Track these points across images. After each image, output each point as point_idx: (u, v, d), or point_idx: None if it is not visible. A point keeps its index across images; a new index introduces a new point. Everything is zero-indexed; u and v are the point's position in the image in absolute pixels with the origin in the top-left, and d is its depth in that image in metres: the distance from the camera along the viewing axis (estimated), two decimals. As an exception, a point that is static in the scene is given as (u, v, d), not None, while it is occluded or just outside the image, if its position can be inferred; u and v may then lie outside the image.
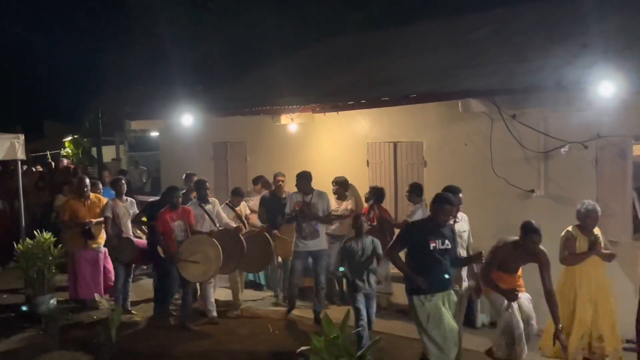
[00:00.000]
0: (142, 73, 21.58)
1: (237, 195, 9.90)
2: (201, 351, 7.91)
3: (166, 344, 8.15)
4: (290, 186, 9.85)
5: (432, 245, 6.23)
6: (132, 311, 9.48)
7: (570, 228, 7.12)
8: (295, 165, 10.94)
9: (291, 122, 10.74)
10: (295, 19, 19.40)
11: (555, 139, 8.05)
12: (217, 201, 9.43)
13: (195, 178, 9.87)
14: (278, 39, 17.74)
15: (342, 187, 10.00)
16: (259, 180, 10.69)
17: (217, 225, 9.09)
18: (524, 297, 6.81)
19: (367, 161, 10.33)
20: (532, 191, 8.33)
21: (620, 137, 7.63)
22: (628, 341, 7.33)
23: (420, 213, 8.58)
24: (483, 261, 6.74)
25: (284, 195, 9.80)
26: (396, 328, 8.34)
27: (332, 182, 9.92)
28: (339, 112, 9.94)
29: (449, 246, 6.32)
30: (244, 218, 9.84)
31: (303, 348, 5.99)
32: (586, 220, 7.02)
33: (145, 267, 11.30)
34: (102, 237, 9.69)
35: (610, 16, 9.04)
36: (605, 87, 6.90)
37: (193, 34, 20.88)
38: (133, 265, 9.96)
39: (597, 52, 7.78)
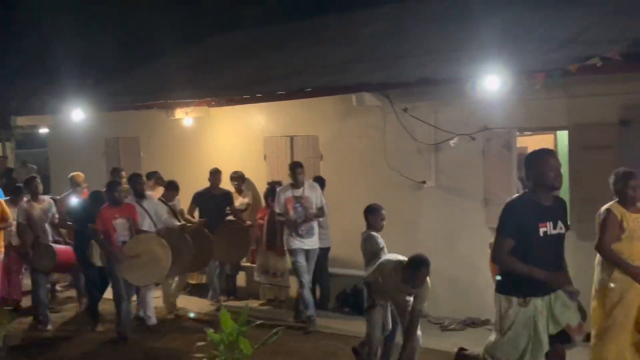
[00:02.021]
0: (30, 67, 20.66)
1: (172, 188, 9.11)
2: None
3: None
4: (190, 182, 9.67)
5: (542, 229, 4.59)
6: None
7: (609, 205, 5.74)
8: (190, 160, 10.80)
9: (186, 116, 10.57)
10: (190, 12, 19.12)
11: (445, 131, 8.31)
12: (154, 197, 8.86)
13: (124, 174, 9.38)
14: (172, 32, 17.41)
15: (239, 181, 9.97)
16: (152, 175, 10.45)
17: (156, 224, 8.38)
18: None
19: (265, 155, 10.32)
20: (424, 182, 8.56)
21: (505, 129, 7.96)
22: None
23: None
24: None
25: (218, 193, 9.39)
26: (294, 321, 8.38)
27: (230, 177, 9.86)
28: (235, 106, 9.88)
29: (562, 230, 4.70)
30: (179, 214, 9.11)
31: (199, 343, 5.94)
32: (626, 192, 5.69)
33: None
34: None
35: (498, 12, 9.40)
36: (491, 81, 7.17)
37: (83, 26, 20.18)
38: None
39: (484, 46, 8.08)
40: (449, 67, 7.90)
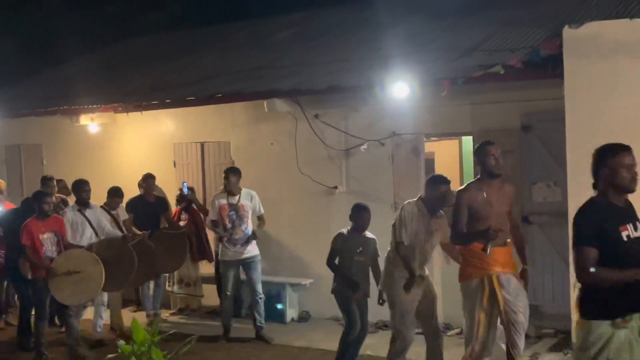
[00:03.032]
0: None
1: (116, 195, 8.46)
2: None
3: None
4: (96, 190, 9.39)
5: (624, 233, 3.85)
6: None
7: None
8: (97, 167, 10.50)
9: (91, 123, 10.28)
10: (95, 17, 18.63)
11: (355, 137, 8.44)
12: (98, 206, 8.11)
13: (55, 182, 8.83)
14: (76, 37, 16.91)
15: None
16: (57, 184, 10.10)
17: (98, 234, 7.77)
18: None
19: (174, 162, 10.17)
20: (335, 187, 8.66)
21: (413, 135, 8.16)
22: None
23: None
24: None
25: (152, 200, 8.91)
26: (207, 330, 8.28)
27: (138, 184, 9.65)
28: (143, 112, 9.66)
29: None
30: (122, 224, 8.45)
31: (110, 356, 5.78)
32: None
33: None
34: None
35: (402, 21, 9.65)
36: (398, 87, 7.34)
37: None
38: None
39: (391, 54, 8.27)
40: (358, 75, 8.04)
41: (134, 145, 10.59)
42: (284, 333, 8.08)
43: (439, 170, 10.81)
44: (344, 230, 6.53)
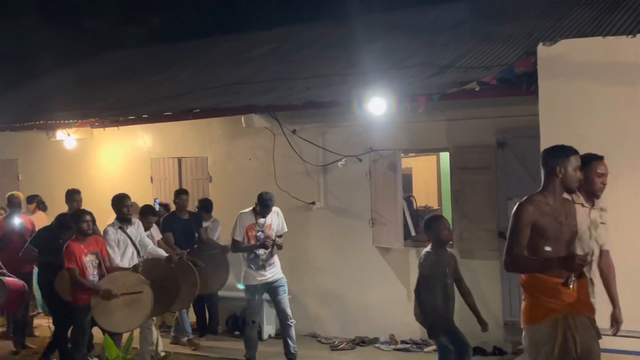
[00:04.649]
0: None
1: (149, 214, 7.79)
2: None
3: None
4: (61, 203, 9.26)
5: None
6: None
7: None
8: (73, 183, 10.34)
9: (68, 138, 10.20)
10: (73, 31, 18.50)
11: (332, 152, 8.45)
12: (140, 222, 7.41)
13: (77, 195, 8.14)
14: (53, 51, 16.79)
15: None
16: (33, 199, 9.97)
17: (142, 254, 7.15)
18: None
19: (151, 177, 10.11)
20: (313, 203, 8.65)
21: (390, 151, 8.19)
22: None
23: (220, 229, 8.58)
24: None
25: (186, 217, 8.43)
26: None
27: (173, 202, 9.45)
28: (120, 127, 9.62)
29: None
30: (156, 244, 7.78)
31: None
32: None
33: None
34: None
35: (379, 37, 9.71)
36: (376, 104, 7.36)
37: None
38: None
39: (368, 71, 8.31)
40: (335, 90, 8.06)
41: (110, 161, 10.52)
42: (261, 350, 8.01)
43: (416, 186, 10.88)
44: (428, 248, 5.80)
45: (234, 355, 7.80)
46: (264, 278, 7.10)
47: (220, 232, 8.67)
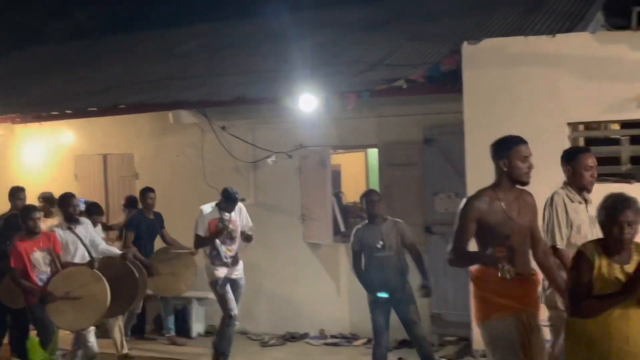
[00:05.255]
0: None
1: (96, 213, 7.61)
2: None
3: None
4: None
5: None
6: None
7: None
8: (-7, 180, 10.05)
9: (-13, 134, 9.86)
10: (-2, 25, 17.86)
11: (263, 149, 8.44)
12: (89, 222, 7.17)
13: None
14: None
15: (48, 203, 9.38)
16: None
17: (93, 254, 6.85)
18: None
19: (76, 175, 9.87)
20: (243, 199, 8.60)
21: (320, 147, 8.24)
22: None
23: None
24: None
25: (151, 216, 8.09)
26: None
27: (38, 198, 9.26)
28: (43, 123, 9.36)
29: None
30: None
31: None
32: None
33: None
34: None
35: (309, 35, 9.75)
36: (306, 100, 7.40)
37: None
38: None
39: (298, 68, 8.34)
40: (265, 87, 8.06)
41: (32, 157, 10.21)
42: (190, 348, 7.95)
43: (345, 182, 10.98)
44: (360, 225, 6.15)
45: (162, 353, 7.71)
46: (226, 274, 6.94)
47: None
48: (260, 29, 11.08)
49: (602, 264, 3.62)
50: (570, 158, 4.46)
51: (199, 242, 7.01)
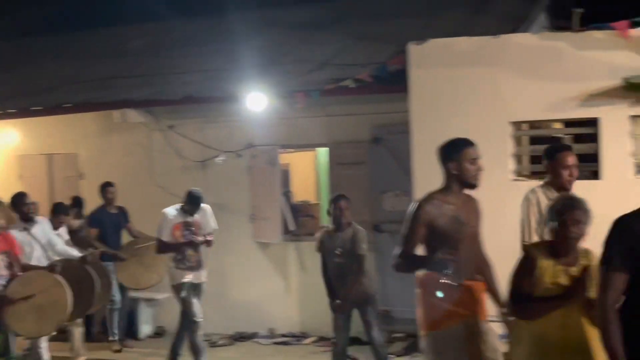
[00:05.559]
0: None
1: (61, 212, 7.30)
2: None
3: None
4: None
5: None
6: None
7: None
8: None
9: None
10: None
11: (211, 148, 8.40)
12: (47, 221, 6.94)
13: None
14: None
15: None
16: None
17: (50, 255, 6.64)
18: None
19: (20, 175, 9.65)
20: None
21: (269, 147, 8.25)
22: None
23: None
24: None
25: (114, 211, 7.96)
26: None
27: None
28: (-16, 123, 9.14)
29: None
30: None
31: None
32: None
33: None
34: None
35: (256, 34, 9.71)
36: (254, 99, 7.39)
37: None
38: None
39: (246, 67, 8.31)
40: (214, 86, 8.01)
41: (-26, 158, 9.95)
42: (137, 349, 7.86)
43: (294, 181, 11.00)
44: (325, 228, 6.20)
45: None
46: (190, 279, 6.69)
47: None
48: (208, 28, 11.00)
49: (546, 265, 3.58)
50: (549, 156, 4.37)
51: (162, 247, 6.74)
